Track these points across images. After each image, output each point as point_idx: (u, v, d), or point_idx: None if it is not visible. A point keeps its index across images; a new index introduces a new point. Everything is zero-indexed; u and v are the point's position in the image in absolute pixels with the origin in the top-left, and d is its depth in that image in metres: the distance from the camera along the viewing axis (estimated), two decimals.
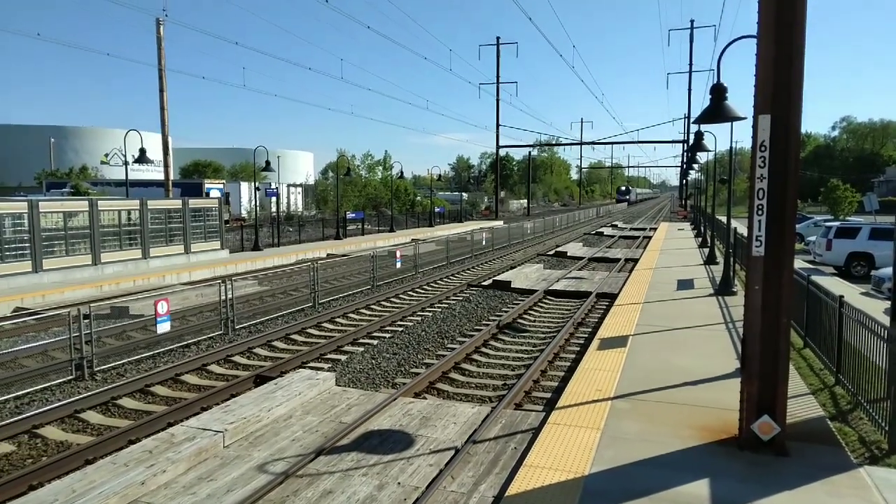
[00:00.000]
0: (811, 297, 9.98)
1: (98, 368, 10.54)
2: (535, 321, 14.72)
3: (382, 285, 19.80)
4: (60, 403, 8.80)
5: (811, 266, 21.75)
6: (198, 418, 7.54)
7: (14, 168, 69.18)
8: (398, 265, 21.61)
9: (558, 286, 18.95)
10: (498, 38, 65.08)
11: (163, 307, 11.54)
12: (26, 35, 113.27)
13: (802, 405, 7.48)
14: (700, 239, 32.08)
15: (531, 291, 18.05)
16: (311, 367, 10.72)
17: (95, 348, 10.74)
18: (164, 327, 11.67)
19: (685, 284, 17.37)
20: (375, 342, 12.56)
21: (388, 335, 13.17)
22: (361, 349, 12.02)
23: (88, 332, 10.51)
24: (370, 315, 15.54)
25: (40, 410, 8.52)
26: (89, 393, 9.29)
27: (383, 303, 17.12)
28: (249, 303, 16.45)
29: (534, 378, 10.05)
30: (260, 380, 9.92)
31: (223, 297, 13.28)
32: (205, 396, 9.19)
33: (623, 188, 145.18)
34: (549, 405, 8.52)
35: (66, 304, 15.24)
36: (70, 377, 10.12)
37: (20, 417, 8.24)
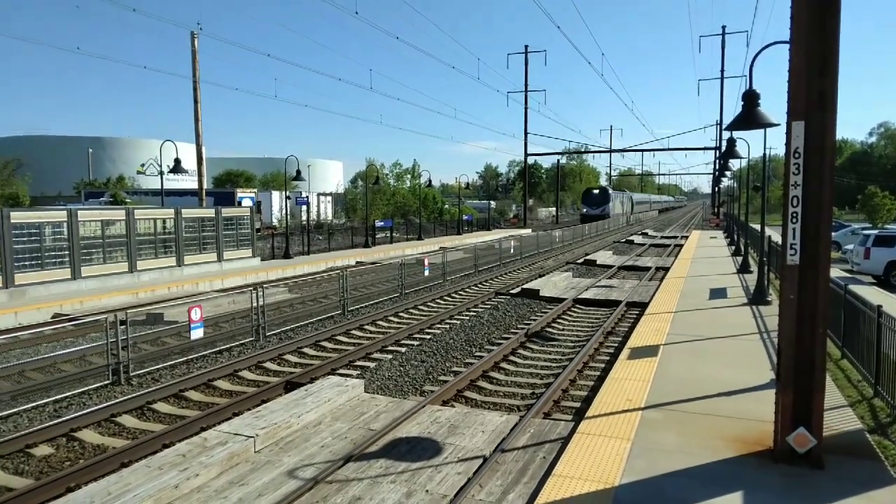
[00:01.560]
0: (848, 307, 9.74)
1: (134, 373, 10.78)
2: (563, 330, 14.62)
3: (411, 293, 19.88)
4: (97, 407, 9.02)
5: (848, 275, 21.21)
6: (230, 423, 7.66)
7: (54, 178, 71.26)
8: (426, 273, 21.68)
9: (587, 294, 18.80)
10: (526, 47, 65.00)
11: (196, 314, 11.76)
12: (67, 49, 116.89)
13: (840, 417, 7.29)
14: (733, 247, 31.53)
15: (560, 300, 17.94)
16: (341, 374, 10.81)
17: (131, 353, 10.99)
18: (197, 333, 11.88)
19: (718, 293, 17.08)
20: (404, 349, 12.61)
21: (416, 343, 13.21)
22: (390, 356, 12.08)
23: (125, 337, 10.76)
24: (398, 322, 15.61)
25: (78, 414, 8.74)
26: (125, 397, 9.50)
27: (411, 310, 17.18)
28: (280, 310, 16.64)
29: (563, 387, 9.98)
30: (290, 386, 10.03)
31: (254, 304, 13.48)
32: (236, 402, 9.32)
33: (596, 191, 76.97)
34: (579, 415, 8.45)
35: (104, 310, 15.62)
36: (107, 381, 10.36)
37: (59, 421, 8.46)
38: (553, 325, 15.03)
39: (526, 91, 65.27)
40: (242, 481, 6.31)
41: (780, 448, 6.03)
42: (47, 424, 8.33)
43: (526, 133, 65.82)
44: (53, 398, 9.59)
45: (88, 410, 8.89)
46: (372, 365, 11.52)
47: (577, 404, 9.24)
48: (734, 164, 30.86)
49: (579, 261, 30.45)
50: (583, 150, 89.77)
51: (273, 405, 8.29)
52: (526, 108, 65.33)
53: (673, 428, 7.00)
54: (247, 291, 14.05)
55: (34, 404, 9.31)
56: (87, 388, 10.08)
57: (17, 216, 17.73)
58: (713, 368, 9.46)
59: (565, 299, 17.79)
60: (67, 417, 8.59)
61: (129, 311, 11.59)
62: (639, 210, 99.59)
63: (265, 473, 6.49)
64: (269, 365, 11.70)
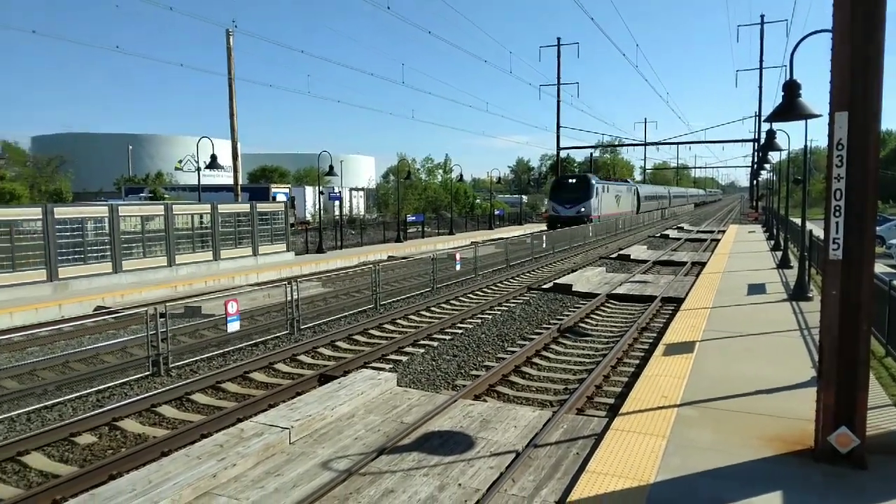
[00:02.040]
0: (893, 303, 9.44)
1: (173, 365, 11.03)
2: (597, 325, 14.48)
3: (442, 288, 19.92)
4: (138, 398, 9.26)
5: (893, 270, 20.54)
6: (265, 415, 7.79)
7: (95, 174, 73.26)
8: (458, 268, 21.69)
9: (621, 290, 18.59)
10: (559, 39, 64.27)
11: (232, 307, 11.97)
12: (106, 48, 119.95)
13: (884, 416, 7.07)
14: (772, 242, 30.82)
15: (593, 295, 17.77)
16: (373, 368, 10.89)
17: (170, 346, 11.25)
18: (233, 326, 12.10)
19: (756, 289, 16.72)
20: (436, 344, 12.64)
21: (447, 337, 13.23)
22: (422, 350, 12.13)
23: (164, 330, 11.02)
24: (430, 317, 15.65)
25: (120, 404, 8.98)
26: (165, 388, 9.73)
27: (443, 305, 17.21)
28: (314, 303, 16.84)
29: (596, 383, 9.90)
30: (324, 379, 10.15)
31: (289, 298, 13.67)
32: (272, 394, 9.48)
33: (570, 181, 49.22)
34: (613, 411, 8.38)
35: (144, 303, 16.01)
36: (147, 373, 10.63)
37: (101, 410, 8.72)
38: (586, 320, 14.91)
39: (559, 84, 64.61)
40: (278, 472, 6.41)
41: (822, 447, 5.88)
42: (90, 414, 8.58)
43: (558, 126, 65.14)
44: (96, 388, 9.88)
45: (130, 400, 9.13)
46: (404, 359, 11.59)
47: (611, 400, 9.16)
48: (774, 156, 30.16)
49: (613, 255, 30.12)
50: (616, 143, 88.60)
51: (307, 397, 8.40)
52: (558, 102, 64.67)
53: (709, 425, 6.89)
54: (281, 285, 14.24)
55: (78, 394, 9.60)
56: (128, 379, 10.35)
57: (61, 211, 18.27)
58: (752, 365, 9.27)
59: (598, 294, 17.62)
60: (110, 407, 8.84)
61: (168, 304, 11.85)
62: (650, 207, 69.50)
63: (300, 464, 6.59)
64: (303, 358, 11.86)
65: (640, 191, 64.84)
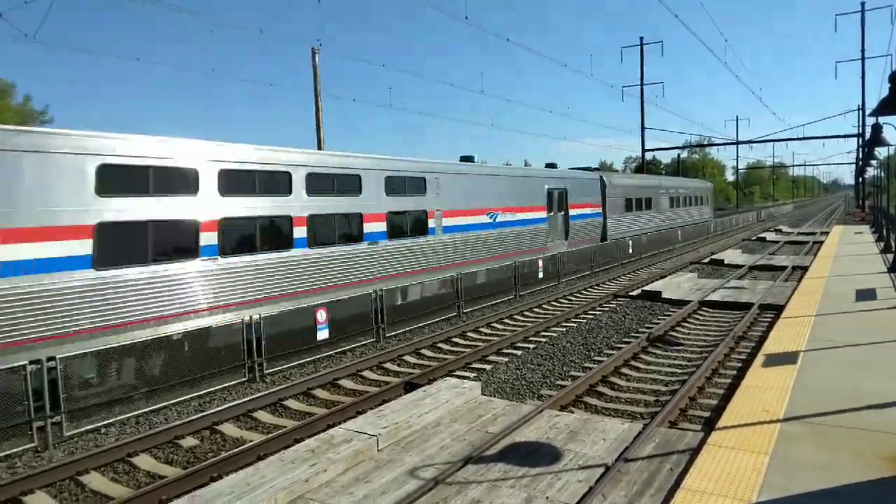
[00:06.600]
0: None
1: (267, 371, 11.48)
2: (689, 334, 13.90)
3: (525, 295, 19.73)
4: (236, 403, 9.70)
5: None
6: (354, 421, 7.96)
7: None
8: (541, 275, 21.44)
9: (715, 297, 17.77)
10: (641, 39, 62.43)
11: (322, 316, 12.35)
12: (203, 72, 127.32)
13: None
14: (882, 243, 28.61)
15: (684, 302, 17.09)
16: (458, 376, 10.91)
17: (264, 353, 11.72)
18: (323, 334, 12.48)
19: (865, 295, 15.54)
20: (519, 353, 12.53)
21: (531, 346, 13.09)
22: (506, 359, 12.05)
23: (259, 338, 11.50)
24: (513, 325, 15.54)
25: (219, 409, 9.45)
26: (260, 394, 10.15)
27: (526, 313, 17.05)
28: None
29: (690, 395, 9.49)
30: (409, 387, 10.27)
31: (374, 307, 13.94)
32: (359, 401, 9.68)
33: None
34: (708, 425, 8.01)
35: None
36: (243, 379, 11.12)
37: (202, 415, 9.19)
38: (677, 328, 14.35)
39: (642, 84, 62.79)
40: (367, 478, 6.53)
41: None
42: (193, 418, 9.07)
43: (643, 128, 63.32)
44: (197, 394, 10.42)
45: (228, 406, 9.58)
46: (488, 367, 11.55)
47: (707, 413, 8.76)
48: (881, 151, 28.04)
49: (704, 260, 28.86)
50: (705, 142, 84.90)
51: (394, 405, 8.52)
52: (642, 102, 62.85)
53: (816, 443, 6.44)
54: (367, 295, 14.54)
55: (181, 399, 10.15)
56: (226, 385, 10.86)
57: None
58: (864, 377, 8.60)
59: (690, 301, 16.92)
60: (210, 412, 9.32)
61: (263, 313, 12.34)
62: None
63: (388, 472, 6.68)
64: (388, 365, 12.06)
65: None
